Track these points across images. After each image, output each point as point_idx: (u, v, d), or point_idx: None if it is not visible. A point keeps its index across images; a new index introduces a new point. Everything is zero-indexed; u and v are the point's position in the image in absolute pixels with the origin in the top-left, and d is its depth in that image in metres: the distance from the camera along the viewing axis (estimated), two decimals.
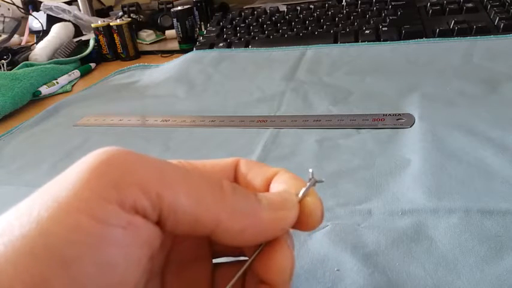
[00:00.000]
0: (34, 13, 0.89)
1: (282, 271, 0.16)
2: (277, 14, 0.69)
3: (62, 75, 0.65)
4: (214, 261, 0.19)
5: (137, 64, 0.66)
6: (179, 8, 0.72)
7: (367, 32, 0.58)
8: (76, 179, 0.12)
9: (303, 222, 0.17)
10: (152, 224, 0.13)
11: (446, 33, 0.54)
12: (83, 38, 0.83)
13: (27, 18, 0.92)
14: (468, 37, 0.52)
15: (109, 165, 0.13)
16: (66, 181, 0.12)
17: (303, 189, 0.17)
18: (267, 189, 0.18)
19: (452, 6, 0.58)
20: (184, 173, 0.14)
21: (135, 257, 0.13)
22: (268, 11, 0.71)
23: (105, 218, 0.12)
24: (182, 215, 0.13)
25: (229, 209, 0.14)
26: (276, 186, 0.17)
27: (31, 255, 0.11)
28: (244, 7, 0.80)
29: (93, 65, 0.73)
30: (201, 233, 0.14)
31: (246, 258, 0.19)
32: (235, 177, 0.18)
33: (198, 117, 0.44)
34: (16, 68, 0.65)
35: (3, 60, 0.69)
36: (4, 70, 0.67)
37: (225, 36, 0.67)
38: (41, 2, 0.88)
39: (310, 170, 0.18)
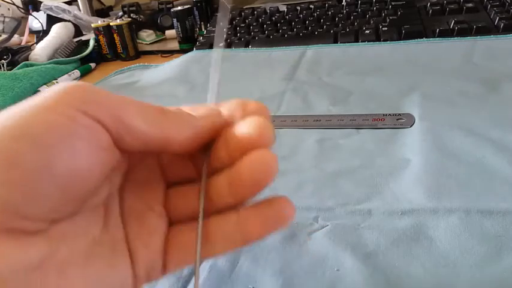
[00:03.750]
0: (34, 13, 0.89)
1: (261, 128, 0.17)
2: (277, 14, 0.69)
3: (62, 75, 0.65)
4: None
5: (137, 64, 0.66)
6: (179, 8, 0.72)
7: (367, 32, 0.58)
8: (51, 95, 0.15)
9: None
10: (109, 136, 0.16)
11: (446, 33, 0.54)
12: (83, 38, 0.83)
13: (27, 18, 0.92)
14: (468, 37, 0.52)
15: (78, 88, 0.16)
16: (40, 97, 0.15)
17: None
18: None
19: (452, 6, 0.58)
20: (138, 101, 0.17)
21: (96, 155, 0.15)
22: (268, 11, 0.71)
23: (75, 118, 0.15)
24: (137, 133, 0.16)
25: (175, 124, 0.17)
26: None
27: (9, 136, 0.14)
28: (244, 7, 0.80)
29: (93, 65, 0.73)
30: (155, 148, 0.17)
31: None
32: None
33: None
34: (16, 68, 0.65)
35: (3, 60, 0.69)
36: (4, 70, 0.67)
37: (225, 36, 0.67)
38: (41, 2, 0.88)
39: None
